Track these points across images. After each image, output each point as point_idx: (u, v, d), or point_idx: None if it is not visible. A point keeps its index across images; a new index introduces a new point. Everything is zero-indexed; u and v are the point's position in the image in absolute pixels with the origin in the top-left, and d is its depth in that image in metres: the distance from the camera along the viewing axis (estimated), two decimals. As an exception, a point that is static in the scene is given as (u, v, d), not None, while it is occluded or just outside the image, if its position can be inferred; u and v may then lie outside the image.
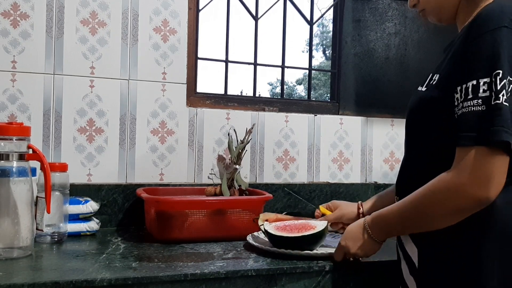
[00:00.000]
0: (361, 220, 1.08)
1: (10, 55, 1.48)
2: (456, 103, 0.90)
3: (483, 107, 0.84)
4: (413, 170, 1.02)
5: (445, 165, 0.90)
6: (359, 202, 1.36)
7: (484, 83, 0.85)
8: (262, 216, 1.32)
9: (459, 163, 0.87)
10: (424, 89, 1.01)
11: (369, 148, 1.94)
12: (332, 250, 1.16)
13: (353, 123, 1.92)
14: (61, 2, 1.53)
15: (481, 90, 0.85)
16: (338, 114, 1.92)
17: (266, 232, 1.25)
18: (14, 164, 1.12)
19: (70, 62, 1.54)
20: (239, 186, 1.57)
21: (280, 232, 1.22)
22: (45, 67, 1.52)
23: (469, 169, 0.85)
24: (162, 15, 1.65)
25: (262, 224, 1.28)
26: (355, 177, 1.92)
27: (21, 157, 1.14)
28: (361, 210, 1.34)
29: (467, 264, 0.90)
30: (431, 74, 1.02)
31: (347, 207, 1.35)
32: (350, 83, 1.94)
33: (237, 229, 1.37)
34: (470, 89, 0.86)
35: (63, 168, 1.35)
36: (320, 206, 1.40)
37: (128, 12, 1.61)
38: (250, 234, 1.33)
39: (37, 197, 1.28)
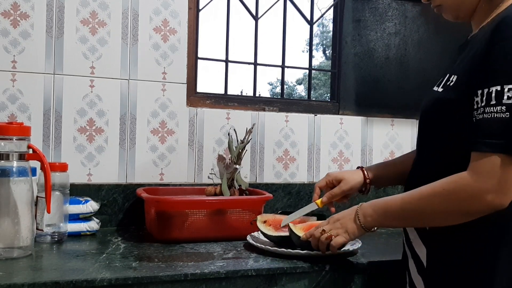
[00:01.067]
0: (356, 206, 1.07)
1: (10, 55, 1.48)
2: (475, 107, 0.88)
3: (507, 115, 0.83)
4: (425, 170, 1.00)
5: (458, 167, 0.90)
6: (362, 168, 1.27)
7: (509, 89, 0.83)
8: (260, 217, 1.31)
9: (479, 168, 0.86)
10: (440, 89, 0.98)
11: (369, 148, 1.94)
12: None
13: (353, 123, 1.92)
14: (61, 2, 1.53)
15: (505, 97, 0.83)
16: (338, 114, 1.92)
17: (264, 234, 1.26)
18: (14, 164, 1.12)
19: (70, 62, 1.54)
20: (239, 186, 1.57)
21: (277, 232, 1.23)
22: (45, 67, 1.52)
23: (492, 175, 0.84)
24: (162, 15, 1.65)
25: (261, 222, 1.28)
26: (355, 177, 1.91)
27: (21, 157, 1.14)
28: (367, 178, 1.25)
29: (476, 266, 0.90)
30: (447, 75, 0.98)
31: (352, 177, 1.25)
32: (350, 83, 1.94)
33: (237, 229, 1.37)
34: (493, 95, 0.84)
35: (63, 168, 1.35)
36: (318, 202, 1.26)
37: (128, 12, 1.61)
38: (249, 234, 1.32)
39: (37, 197, 1.28)
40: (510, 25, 0.85)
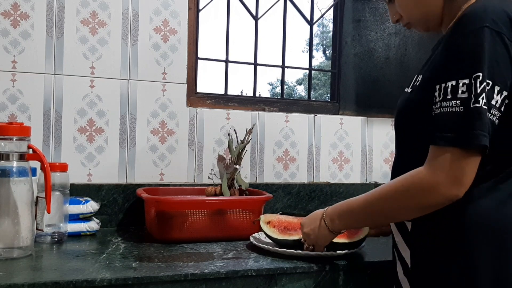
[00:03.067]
0: (321, 211, 1.12)
1: (10, 55, 1.48)
2: (434, 101, 0.90)
3: (461, 108, 0.85)
4: (402, 170, 1.02)
5: None
6: None
7: (464, 84, 0.85)
8: (264, 217, 1.29)
9: (434, 161, 0.88)
10: (409, 90, 1.02)
11: (369, 148, 1.94)
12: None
13: (353, 123, 1.92)
14: (61, 2, 1.53)
15: (460, 91, 0.85)
16: (338, 114, 1.92)
17: (269, 236, 1.26)
18: (14, 164, 1.12)
19: (70, 62, 1.54)
20: (239, 186, 1.57)
21: (281, 235, 1.23)
22: (45, 67, 1.52)
23: (445, 168, 0.86)
24: (162, 15, 1.65)
25: (263, 225, 1.28)
26: (355, 177, 1.92)
27: (21, 157, 1.14)
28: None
29: (459, 265, 0.90)
30: (416, 75, 1.02)
31: None
32: (350, 83, 1.94)
33: (237, 229, 1.37)
34: (449, 89, 0.87)
35: (63, 168, 1.35)
36: None
37: (128, 12, 1.61)
38: (252, 236, 1.32)
39: (37, 197, 1.28)
40: (466, 23, 0.88)
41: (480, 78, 0.84)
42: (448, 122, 0.86)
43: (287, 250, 1.17)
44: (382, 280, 1.19)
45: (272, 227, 1.26)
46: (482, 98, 0.84)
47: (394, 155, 1.10)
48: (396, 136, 1.09)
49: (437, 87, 0.89)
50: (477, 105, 0.84)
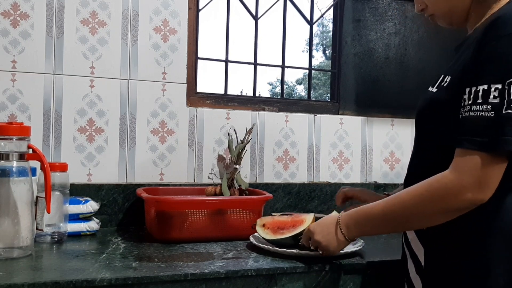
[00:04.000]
0: (335, 216, 1.08)
1: (10, 55, 1.48)
2: (462, 104, 0.89)
3: (491, 114, 0.83)
4: (421, 171, 1.01)
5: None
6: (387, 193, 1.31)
7: (496, 89, 0.83)
8: (260, 221, 1.30)
9: (461, 165, 0.87)
10: (435, 90, 0.99)
11: (369, 148, 1.94)
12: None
13: (353, 123, 1.92)
14: (61, 2, 1.53)
15: (491, 96, 0.84)
16: (338, 114, 1.92)
17: (264, 239, 1.26)
18: (14, 164, 1.12)
19: (70, 62, 1.54)
20: (239, 186, 1.57)
21: (274, 235, 1.23)
22: (45, 67, 1.52)
23: (471, 173, 0.85)
24: (162, 15, 1.65)
25: (257, 231, 1.29)
26: (355, 177, 1.92)
27: (21, 157, 1.14)
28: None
29: (474, 264, 0.90)
30: (442, 75, 1.00)
31: (366, 197, 1.31)
32: (350, 83, 1.94)
33: (237, 229, 1.37)
34: (480, 93, 0.85)
35: (63, 168, 1.35)
36: None
37: (128, 12, 1.61)
38: (252, 235, 1.32)
39: (37, 197, 1.28)
40: (501, 26, 0.86)
41: None
42: (478, 127, 0.85)
43: (286, 250, 1.17)
44: (382, 280, 1.19)
45: (266, 229, 1.27)
46: None
47: (412, 152, 1.09)
48: (416, 136, 1.07)
49: (467, 90, 0.88)
50: (510, 111, 0.82)
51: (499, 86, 0.83)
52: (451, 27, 1.07)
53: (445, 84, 0.96)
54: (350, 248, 1.20)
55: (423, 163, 1.02)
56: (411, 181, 1.03)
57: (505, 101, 0.83)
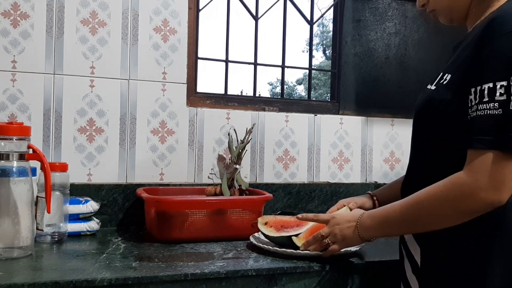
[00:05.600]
0: (358, 214, 1.07)
1: (10, 55, 1.48)
2: (469, 105, 0.88)
3: (499, 111, 0.83)
4: (420, 170, 1.00)
5: (454, 166, 0.90)
6: (370, 192, 1.32)
7: (501, 86, 0.83)
8: (261, 219, 1.31)
9: (474, 165, 0.86)
10: (433, 87, 0.99)
11: (369, 148, 1.94)
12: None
13: (353, 123, 1.92)
14: (61, 2, 1.53)
15: (497, 94, 0.83)
16: (338, 114, 1.92)
17: (266, 236, 1.26)
18: (14, 164, 1.12)
19: (70, 62, 1.54)
20: (239, 186, 1.56)
21: (278, 233, 1.23)
22: (45, 67, 1.52)
23: (485, 173, 0.84)
24: (162, 15, 1.65)
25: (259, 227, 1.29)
26: (355, 177, 1.92)
27: (21, 157, 1.14)
28: (375, 199, 1.30)
29: (470, 264, 0.90)
30: (441, 73, 0.99)
31: (361, 201, 1.30)
32: (350, 83, 1.94)
33: (237, 229, 1.37)
34: (486, 92, 0.85)
35: (63, 168, 1.35)
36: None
37: (128, 12, 1.61)
38: (252, 235, 1.33)
39: (37, 197, 1.28)
40: (501, 24, 0.86)
41: None
42: (486, 125, 0.84)
43: (286, 250, 1.17)
44: (382, 279, 1.19)
45: (270, 226, 1.27)
46: None
47: (410, 152, 1.08)
48: (413, 134, 1.06)
49: (472, 90, 0.87)
50: None
51: (505, 83, 0.83)
52: (451, 23, 1.07)
53: (444, 82, 0.96)
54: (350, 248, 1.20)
55: (423, 163, 1.02)
56: (411, 181, 1.03)
57: (511, 96, 0.82)
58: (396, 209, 0.98)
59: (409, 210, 0.95)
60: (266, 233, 1.26)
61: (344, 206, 1.28)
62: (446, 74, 0.97)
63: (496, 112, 0.83)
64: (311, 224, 1.22)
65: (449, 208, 0.89)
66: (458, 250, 0.92)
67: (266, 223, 1.29)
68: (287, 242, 1.21)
